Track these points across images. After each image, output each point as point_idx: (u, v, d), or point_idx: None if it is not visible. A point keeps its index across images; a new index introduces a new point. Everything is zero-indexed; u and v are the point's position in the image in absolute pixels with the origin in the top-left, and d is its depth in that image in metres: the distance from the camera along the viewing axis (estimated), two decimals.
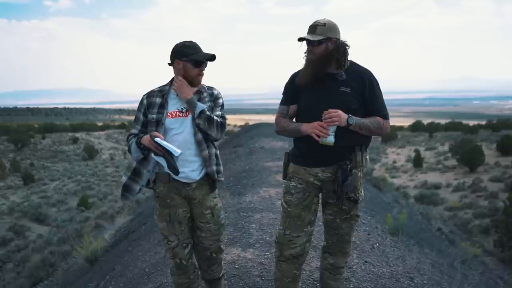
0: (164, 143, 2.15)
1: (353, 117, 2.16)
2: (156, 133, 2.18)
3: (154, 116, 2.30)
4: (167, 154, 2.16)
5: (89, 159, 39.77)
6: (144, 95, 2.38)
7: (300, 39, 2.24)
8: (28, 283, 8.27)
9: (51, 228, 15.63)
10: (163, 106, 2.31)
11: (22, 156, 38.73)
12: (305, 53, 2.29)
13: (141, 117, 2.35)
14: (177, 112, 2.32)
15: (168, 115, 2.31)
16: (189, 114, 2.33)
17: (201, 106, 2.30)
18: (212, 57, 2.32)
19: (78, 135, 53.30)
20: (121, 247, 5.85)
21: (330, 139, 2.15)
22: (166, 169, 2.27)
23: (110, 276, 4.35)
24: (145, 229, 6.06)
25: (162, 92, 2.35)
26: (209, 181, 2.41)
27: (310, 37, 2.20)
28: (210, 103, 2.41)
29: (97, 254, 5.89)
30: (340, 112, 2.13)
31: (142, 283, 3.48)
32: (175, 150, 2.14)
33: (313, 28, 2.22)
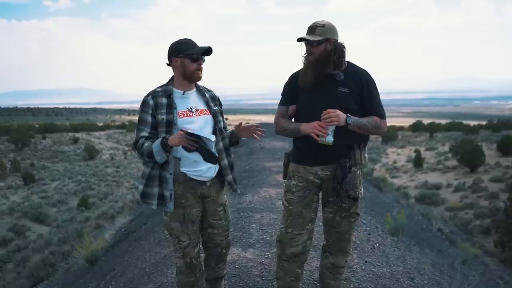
0: (198, 132, 2.11)
1: (352, 117, 2.19)
2: (186, 127, 2.14)
3: (164, 116, 2.24)
4: (202, 144, 2.11)
5: (89, 159, 39.77)
6: (147, 96, 2.29)
7: (300, 39, 2.26)
8: (29, 283, 8.27)
9: (51, 228, 15.63)
10: (171, 106, 2.26)
11: (22, 156, 38.72)
12: (303, 54, 2.31)
13: (150, 118, 2.24)
14: (187, 112, 2.31)
15: (179, 115, 2.28)
16: (200, 113, 2.34)
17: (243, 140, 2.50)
18: (208, 50, 2.29)
19: (78, 135, 53.32)
20: (121, 247, 5.85)
21: (329, 139, 2.17)
22: (182, 169, 2.28)
23: (110, 276, 4.35)
24: (145, 229, 6.06)
25: (167, 92, 2.30)
26: (221, 178, 2.44)
27: (309, 37, 2.22)
28: (217, 107, 2.45)
29: (97, 254, 5.89)
30: (338, 112, 2.16)
31: (142, 283, 3.48)
32: (211, 135, 2.13)
33: (312, 29, 2.24)
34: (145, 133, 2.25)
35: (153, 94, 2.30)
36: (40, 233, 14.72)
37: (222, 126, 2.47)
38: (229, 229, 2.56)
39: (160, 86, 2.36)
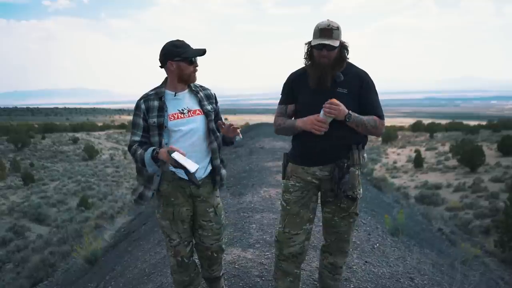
0: (181, 159, 2.09)
1: (352, 114, 2.17)
2: (173, 147, 2.12)
3: (155, 120, 2.25)
4: (186, 170, 2.13)
5: (89, 159, 39.73)
6: (140, 100, 2.31)
7: (321, 45, 2.17)
8: (28, 283, 8.25)
9: (51, 228, 15.63)
10: (162, 108, 2.27)
11: (22, 156, 38.67)
12: (307, 56, 2.28)
13: (141, 122, 2.27)
14: (178, 114, 2.31)
15: (170, 118, 2.28)
16: (192, 114, 2.34)
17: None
18: (203, 52, 2.30)
19: (78, 135, 53.26)
20: (121, 248, 5.84)
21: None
22: (171, 168, 2.27)
23: (110, 276, 4.34)
24: (145, 229, 6.05)
25: (158, 95, 2.31)
26: (213, 179, 2.43)
27: (331, 43, 2.15)
28: (212, 105, 2.44)
29: (97, 255, 5.89)
30: (342, 107, 2.13)
31: (142, 283, 3.48)
32: (191, 167, 2.09)
33: (328, 32, 2.16)
34: (137, 137, 2.27)
35: (145, 97, 2.31)
36: (39, 233, 14.71)
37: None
38: (222, 234, 2.50)
39: (153, 89, 2.36)
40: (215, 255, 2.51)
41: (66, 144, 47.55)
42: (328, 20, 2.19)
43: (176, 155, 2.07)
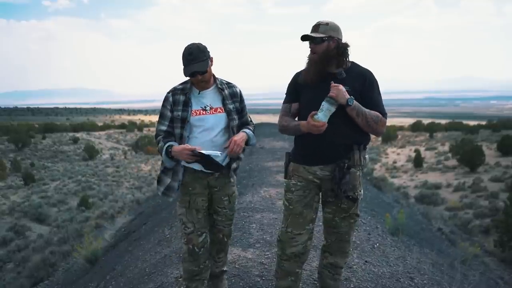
0: (207, 152, 2.25)
1: (354, 101, 2.18)
2: (194, 147, 2.26)
3: (180, 113, 2.41)
4: (208, 160, 2.28)
5: (89, 159, 39.72)
6: (168, 93, 2.47)
7: (304, 36, 2.29)
8: (29, 283, 8.25)
9: (51, 228, 15.62)
10: (187, 104, 2.42)
11: (22, 156, 38.66)
12: (308, 55, 2.34)
13: (169, 113, 2.44)
14: (201, 110, 2.44)
15: (192, 113, 2.42)
16: (213, 112, 2.45)
17: (253, 142, 2.56)
18: (192, 74, 2.36)
19: (78, 135, 53.25)
20: (121, 247, 5.85)
21: (321, 118, 2.15)
22: (191, 165, 2.41)
23: (111, 276, 4.35)
24: (145, 229, 6.07)
25: (184, 91, 2.45)
26: (229, 170, 2.56)
27: (313, 34, 2.25)
28: (234, 104, 2.53)
29: (97, 254, 5.90)
30: (341, 86, 2.16)
31: (142, 283, 3.48)
32: (216, 154, 2.28)
33: (315, 27, 2.28)
34: (163, 127, 2.45)
35: (173, 91, 2.47)
36: (40, 233, 14.70)
37: (243, 121, 2.58)
38: (233, 220, 2.68)
39: (182, 83, 2.49)
40: (225, 239, 2.66)
41: (67, 144, 47.55)
42: (326, 19, 2.29)
43: (204, 151, 2.24)
